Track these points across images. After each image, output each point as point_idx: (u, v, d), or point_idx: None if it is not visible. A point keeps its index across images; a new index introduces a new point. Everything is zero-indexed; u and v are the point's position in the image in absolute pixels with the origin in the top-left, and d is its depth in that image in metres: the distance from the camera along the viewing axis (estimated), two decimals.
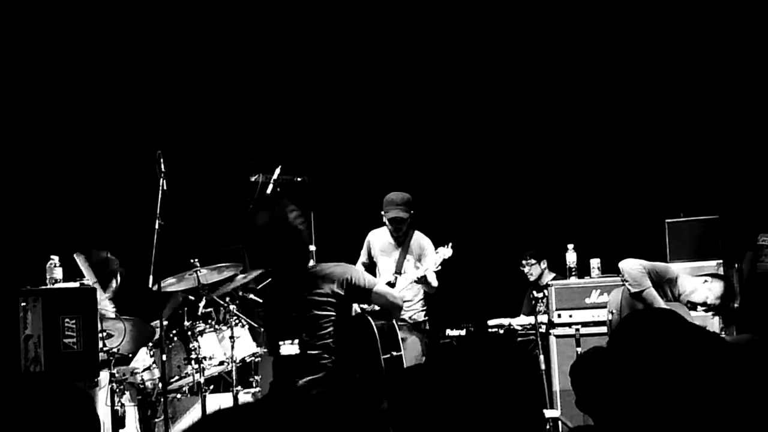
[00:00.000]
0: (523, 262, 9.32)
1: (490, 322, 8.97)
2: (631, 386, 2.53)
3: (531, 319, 9.11)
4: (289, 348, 5.88)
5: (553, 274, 9.03)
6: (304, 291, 5.84)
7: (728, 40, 9.33)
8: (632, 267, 6.86)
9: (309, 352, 5.82)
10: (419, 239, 8.05)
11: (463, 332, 8.71)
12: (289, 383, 5.85)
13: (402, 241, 8.09)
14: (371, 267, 8.23)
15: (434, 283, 7.84)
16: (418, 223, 8.14)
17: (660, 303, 6.68)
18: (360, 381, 6.01)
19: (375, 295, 6.08)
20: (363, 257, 8.31)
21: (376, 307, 6.20)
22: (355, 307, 6.32)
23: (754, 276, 8.26)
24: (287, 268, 5.89)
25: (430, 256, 7.70)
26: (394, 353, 6.14)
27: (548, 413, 7.50)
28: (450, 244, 7.48)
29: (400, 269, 7.99)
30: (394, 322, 6.28)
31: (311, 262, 6.10)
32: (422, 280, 7.61)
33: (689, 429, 2.42)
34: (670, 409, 2.45)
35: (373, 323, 6.17)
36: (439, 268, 7.50)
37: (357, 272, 6.14)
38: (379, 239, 8.24)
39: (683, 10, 9.42)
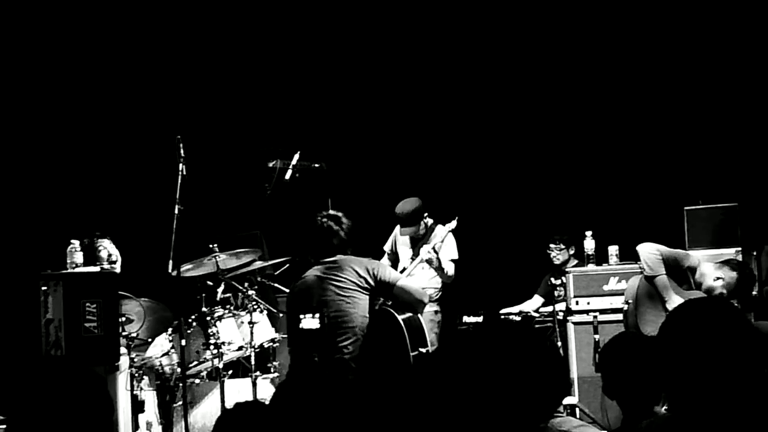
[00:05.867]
0: (552, 246, 9.21)
1: (503, 311, 8.99)
2: (682, 375, 2.52)
3: (540, 302, 9.13)
4: (309, 322, 6.07)
5: (576, 261, 8.99)
6: (330, 275, 6.12)
7: (747, 26, 9.28)
8: (649, 251, 6.90)
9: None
10: (438, 233, 7.92)
11: (480, 319, 8.70)
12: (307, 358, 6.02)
13: (421, 238, 8.02)
14: (394, 259, 8.18)
15: (449, 271, 7.79)
16: (436, 210, 8.10)
17: (670, 292, 6.70)
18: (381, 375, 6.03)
19: (398, 289, 6.24)
20: (387, 247, 8.29)
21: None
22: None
23: None
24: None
25: (445, 247, 7.69)
26: (422, 350, 6.15)
27: (566, 400, 7.49)
28: (455, 219, 7.54)
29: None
30: (419, 316, 6.29)
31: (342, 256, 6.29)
32: (437, 266, 7.58)
33: (735, 417, 2.43)
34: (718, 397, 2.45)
35: (399, 318, 6.21)
36: (442, 242, 7.56)
37: (383, 266, 6.41)
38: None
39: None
